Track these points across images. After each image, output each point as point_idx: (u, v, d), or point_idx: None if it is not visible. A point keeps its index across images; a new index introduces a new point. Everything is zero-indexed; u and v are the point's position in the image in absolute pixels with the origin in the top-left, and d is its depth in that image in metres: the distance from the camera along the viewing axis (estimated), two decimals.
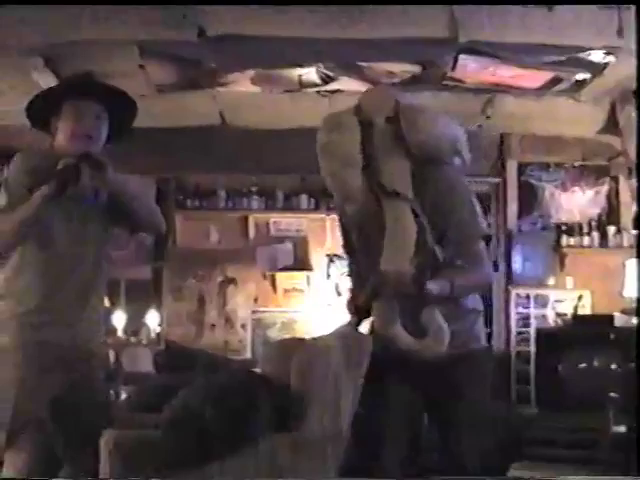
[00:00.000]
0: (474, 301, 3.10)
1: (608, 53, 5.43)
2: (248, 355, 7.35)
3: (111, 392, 5.28)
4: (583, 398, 5.94)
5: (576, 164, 7.52)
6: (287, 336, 6.40)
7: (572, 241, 7.36)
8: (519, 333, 7.27)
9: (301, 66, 5.97)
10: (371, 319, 2.99)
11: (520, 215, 7.49)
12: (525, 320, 7.29)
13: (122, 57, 5.44)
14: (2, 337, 3.09)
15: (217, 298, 7.47)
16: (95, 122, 3.24)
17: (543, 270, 7.35)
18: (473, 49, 5.40)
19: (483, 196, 7.34)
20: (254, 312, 7.46)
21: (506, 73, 5.94)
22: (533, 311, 7.30)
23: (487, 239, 3.12)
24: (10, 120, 5.79)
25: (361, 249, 3.13)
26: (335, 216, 3.46)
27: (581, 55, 5.50)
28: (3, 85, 5.86)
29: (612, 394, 5.65)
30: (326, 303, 7.22)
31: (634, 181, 6.69)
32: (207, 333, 7.42)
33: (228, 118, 7.15)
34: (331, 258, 7.26)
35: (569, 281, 7.29)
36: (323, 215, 7.23)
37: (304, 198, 7.40)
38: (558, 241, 7.37)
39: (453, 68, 5.80)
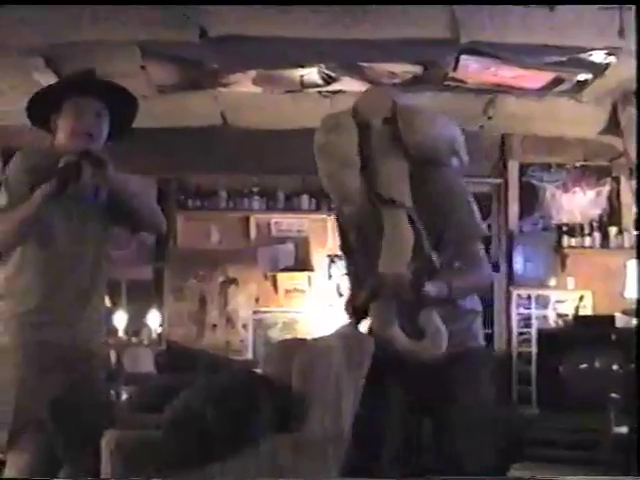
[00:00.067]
0: (472, 302, 3.09)
1: (609, 54, 5.43)
2: (249, 355, 7.35)
3: (112, 392, 5.29)
4: (584, 399, 5.94)
5: (577, 165, 7.52)
6: (288, 336, 6.39)
7: (573, 242, 7.36)
8: (520, 334, 7.27)
9: (303, 66, 5.97)
10: (369, 320, 2.99)
11: (521, 216, 7.49)
12: (526, 321, 7.29)
13: (123, 58, 5.44)
14: (2, 337, 3.08)
15: (218, 298, 7.47)
16: (96, 120, 3.22)
17: (544, 271, 7.35)
18: (474, 49, 5.40)
19: (484, 197, 7.35)
20: (255, 312, 7.46)
21: (507, 74, 5.93)
22: (534, 312, 7.30)
23: (486, 240, 3.11)
24: (10, 120, 5.80)
25: (359, 250, 3.13)
26: None
27: (582, 56, 5.50)
28: (3, 85, 5.86)
29: (613, 395, 5.65)
30: (327, 304, 7.22)
31: (635, 182, 6.69)
32: (208, 333, 7.42)
33: (229, 118, 7.16)
34: (332, 259, 7.27)
35: (570, 282, 7.29)
36: (324, 215, 7.22)
37: (305, 198, 7.40)
38: (559, 242, 7.37)
39: (454, 69, 5.80)
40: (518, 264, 7.37)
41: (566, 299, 7.28)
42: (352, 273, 3.28)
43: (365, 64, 5.86)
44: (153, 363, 4.87)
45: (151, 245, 7.38)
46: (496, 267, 7.33)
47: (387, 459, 2.98)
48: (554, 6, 4.94)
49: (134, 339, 6.72)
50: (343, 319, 3.09)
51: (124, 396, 5.57)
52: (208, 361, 4.24)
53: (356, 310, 2.99)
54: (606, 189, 7.50)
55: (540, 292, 7.31)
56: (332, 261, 7.29)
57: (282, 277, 7.48)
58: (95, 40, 5.12)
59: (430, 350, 2.85)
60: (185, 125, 7.10)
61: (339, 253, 3.45)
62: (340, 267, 7.09)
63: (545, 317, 7.28)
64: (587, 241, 7.35)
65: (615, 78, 5.83)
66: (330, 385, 2.80)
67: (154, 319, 6.94)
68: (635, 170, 6.48)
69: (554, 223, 7.47)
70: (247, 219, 7.53)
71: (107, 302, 5.53)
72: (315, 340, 3.14)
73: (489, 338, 7.14)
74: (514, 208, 7.49)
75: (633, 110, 5.94)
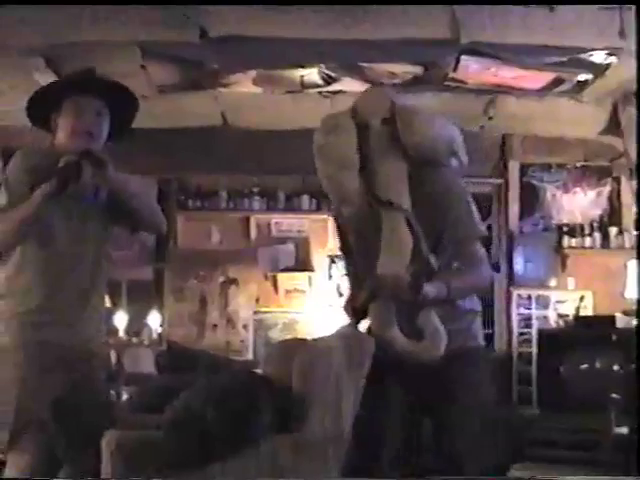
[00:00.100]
0: (472, 302, 3.09)
1: (610, 54, 5.44)
2: (250, 356, 7.35)
3: (113, 393, 5.29)
4: (585, 399, 5.94)
5: (578, 165, 7.52)
6: (289, 337, 6.38)
7: (574, 242, 7.35)
8: (521, 334, 7.27)
9: (303, 67, 5.97)
10: (368, 321, 2.98)
11: (522, 216, 7.49)
12: (527, 321, 7.29)
13: (123, 58, 5.44)
14: (3, 337, 3.08)
15: (219, 299, 7.47)
16: (96, 118, 3.21)
17: (545, 271, 7.35)
18: (475, 50, 5.40)
19: (485, 197, 7.36)
20: (256, 313, 7.46)
21: (508, 74, 5.94)
22: (535, 312, 7.30)
23: (485, 241, 3.11)
24: (10, 121, 5.80)
25: (358, 251, 3.12)
26: None
27: (583, 56, 5.50)
28: (3, 85, 5.86)
29: (614, 395, 5.65)
30: (328, 304, 7.22)
31: (635, 182, 6.69)
32: (209, 334, 7.42)
33: (230, 119, 7.16)
34: (333, 259, 7.26)
35: (571, 282, 7.28)
36: (325, 216, 7.19)
37: (305, 199, 7.40)
38: (560, 242, 7.37)
39: (455, 69, 5.80)
40: (518, 264, 7.37)
41: (566, 299, 7.28)
42: (351, 274, 3.28)
43: (365, 64, 5.86)
44: (153, 363, 4.87)
45: (151, 245, 7.38)
46: (496, 267, 7.34)
47: (387, 459, 2.97)
48: (554, 7, 4.94)
49: (134, 339, 6.71)
50: (343, 319, 3.09)
51: (124, 396, 5.57)
52: (208, 361, 4.24)
53: (355, 311, 2.99)
54: (606, 189, 7.50)
55: (540, 292, 7.31)
56: (332, 261, 7.29)
57: (282, 277, 7.48)
58: (95, 40, 5.13)
59: (429, 350, 2.85)
60: (185, 125, 7.10)
61: (339, 253, 3.45)
62: (340, 267, 7.08)
63: (545, 317, 7.28)
64: (587, 241, 7.34)
65: (615, 78, 5.83)
66: (330, 385, 2.80)
67: (154, 319, 6.94)
68: (635, 170, 6.48)
69: (554, 223, 7.47)
70: (247, 219, 7.53)
71: (108, 302, 5.55)
72: (315, 340, 3.14)
73: (489, 338, 7.14)
74: (514, 208, 7.49)
75: (633, 110, 5.95)
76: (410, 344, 2.85)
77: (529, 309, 7.31)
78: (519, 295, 7.34)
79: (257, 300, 7.48)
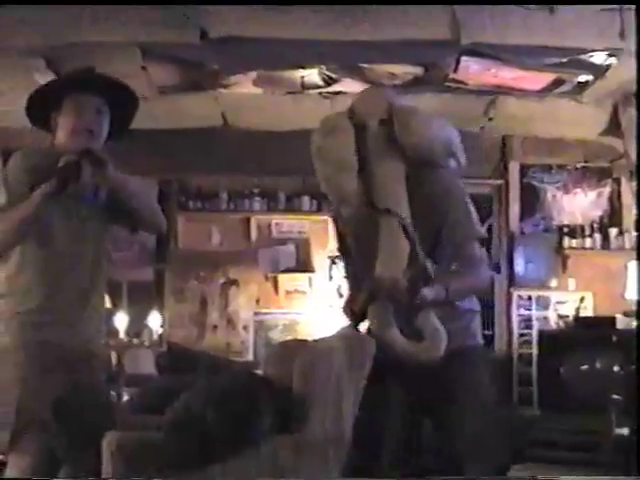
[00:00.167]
0: (470, 302, 3.09)
1: (610, 55, 5.44)
2: (250, 357, 7.35)
3: (113, 394, 5.28)
4: (585, 400, 5.94)
5: (578, 166, 7.52)
6: (289, 338, 6.38)
7: (574, 243, 7.35)
8: (521, 335, 7.27)
9: (303, 68, 5.97)
10: (367, 323, 2.98)
11: (522, 217, 7.49)
12: (527, 322, 7.29)
13: (124, 58, 5.44)
14: (3, 337, 3.08)
15: (219, 300, 7.47)
16: (96, 116, 3.20)
17: (545, 272, 7.35)
18: (475, 51, 5.40)
19: (485, 198, 7.37)
20: (256, 314, 7.46)
21: (508, 75, 5.94)
22: (535, 313, 7.30)
23: (484, 241, 3.11)
24: (10, 122, 5.80)
25: (357, 252, 3.12)
26: None
27: (583, 57, 5.50)
28: (3, 86, 5.85)
29: (614, 396, 5.66)
30: (328, 305, 7.21)
31: (636, 183, 6.69)
32: (209, 335, 7.42)
33: (230, 120, 7.16)
34: (333, 260, 7.26)
35: (571, 283, 7.28)
36: (325, 217, 7.19)
37: (306, 200, 7.40)
38: (560, 243, 7.37)
39: (455, 70, 5.80)
40: (519, 265, 7.37)
41: (567, 300, 7.28)
42: (350, 275, 3.28)
43: (366, 65, 5.86)
44: (154, 364, 4.86)
45: (152, 246, 7.38)
46: (497, 268, 7.35)
47: (387, 459, 2.97)
48: (554, 7, 4.94)
49: (135, 340, 6.70)
50: (344, 320, 3.09)
51: (125, 397, 5.58)
52: (209, 362, 4.24)
53: (354, 313, 2.98)
54: (607, 190, 7.50)
55: (541, 293, 7.31)
56: (333, 262, 7.29)
57: (283, 278, 7.48)
58: (95, 41, 5.12)
59: (429, 351, 2.84)
60: (186, 126, 7.10)
61: (339, 254, 3.44)
62: (341, 268, 7.08)
63: (546, 318, 7.28)
64: (588, 242, 7.34)
65: (616, 79, 5.83)
66: (331, 386, 2.80)
67: (155, 320, 6.93)
68: (636, 171, 6.48)
69: (555, 224, 7.47)
70: (248, 220, 7.53)
71: (108, 303, 5.55)
72: (316, 341, 3.14)
73: (490, 339, 7.15)
74: (515, 209, 7.49)
75: (634, 111, 5.94)
76: (410, 345, 2.84)
77: (529, 310, 7.31)
78: (519, 296, 7.34)
79: (257, 301, 7.48)
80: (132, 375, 6.15)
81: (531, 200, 7.51)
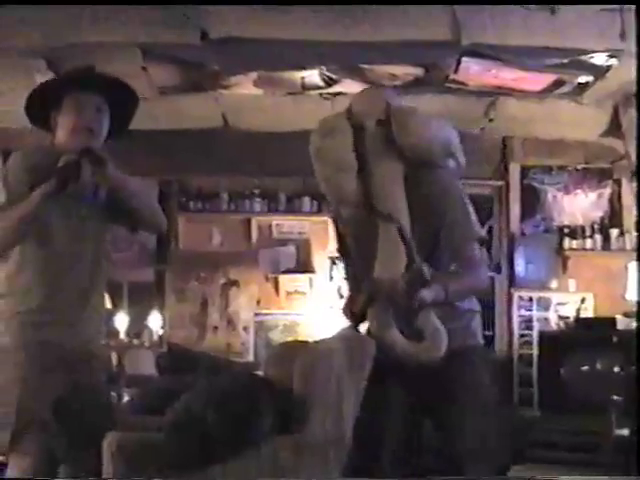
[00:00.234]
0: (470, 302, 3.08)
1: (611, 56, 5.44)
2: (250, 358, 7.35)
3: (114, 394, 5.28)
4: (585, 401, 5.94)
5: (579, 167, 7.52)
6: (289, 339, 6.39)
7: (575, 244, 7.36)
8: (522, 336, 7.27)
9: (304, 68, 5.98)
10: (367, 324, 2.98)
11: (523, 218, 7.49)
12: (528, 323, 7.29)
13: (124, 59, 5.44)
14: (3, 337, 3.08)
15: (219, 300, 7.48)
16: (96, 115, 3.19)
17: (546, 273, 7.35)
18: (475, 52, 5.40)
19: (486, 199, 7.37)
20: (256, 314, 7.47)
21: (508, 76, 5.94)
22: (536, 314, 7.30)
23: (483, 242, 3.10)
24: (10, 122, 5.80)
25: (356, 253, 3.12)
26: None
27: (584, 58, 5.50)
28: (3, 86, 5.86)
29: (614, 397, 5.66)
30: (329, 305, 7.21)
31: (636, 184, 6.69)
32: (209, 335, 7.42)
33: (230, 120, 7.16)
34: (334, 260, 7.26)
35: (572, 284, 7.29)
36: (325, 217, 7.19)
37: (306, 200, 7.40)
38: (561, 244, 7.37)
39: (456, 71, 5.80)
40: (519, 266, 7.37)
41: (567, 301, 7.28)
42: (350, 276, 3.28)
43: (366, 66, 5.86)
44: (154, 365, 4.87)
45: (152, 247, 7.39)
46: (498, 269, 7.35)
47: (388, 460, 2.97)
48: (555, 7, 4.94)
49: (135, 341, 6.71)
50: (344, 321, 3.09)
51: (125, 398, 5.57)
52: (209, 363, 4.24)
53: (354, 313, 2.98)
54: (607, 191, 7.50)
55: (541, 294, 7.31)
56: (333, 263, 7.29)
57: (283, 279, 7.48)
58: (96, 41, 5.12)
59: (430, 351, 2.84)
60: (186, 127, 7.11)
61: (339, 255, 3.44)
62: (341, 269, 7.08)
63: (546, 319, 7.28)
64: (588, 243, 7.35)
65: (616, 80, 5.83)
66: (331, 387, 2.80)
67: (155, 321, 6.93)
68: (636, 172, 6.48)
69: (555, 225, 7.48)
70: (248, 221, 7.54)
71: (109, 304, 5.55)
72: (316, 342, 3.14)
73: (490, 340, 7.15)
74: (515, 210, 7.49)
75: (634, 112, 5.94)
76: (411, 346, 2.84)
77: (530, 311, 7.31)
78: (520, 297, 7.34)
79: (258, 302, 7.48)
80: (132, 376, 6.15)
81: (532, 201, 7.51)
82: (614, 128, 6.76)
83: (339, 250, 3.29)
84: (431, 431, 3.08)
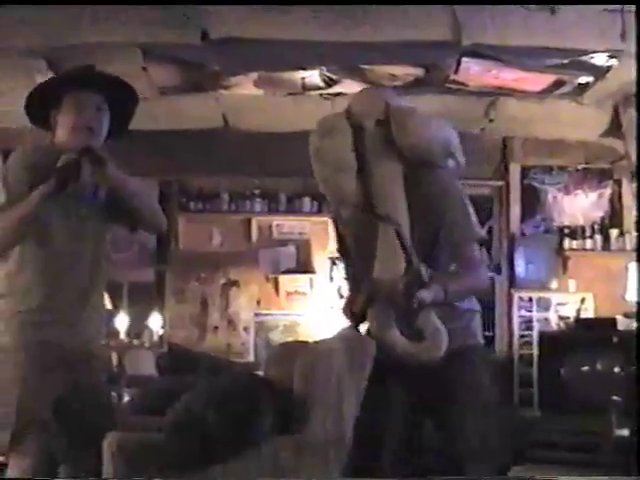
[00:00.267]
0: (470, 302, 3.08)
1: (611, 56, 5.44)
2: (251, 358, 7.35)
3: (114, 395, 5.28)
4: (586, 401, 5.95)
5: (579, 167, 7.52)
6: (290, 339, 6.39)
7: (575, 244, 7.35)
8: (522, 336, 7.27)
9: (304, 69, 5.98)
10: (367, 324, 2.98)
11: (523, 218, 7.49)
12: (528, 323, 7.29)
13: (124, 59, 5.43)
14: (3, 337, 3.08)
15: (220, 301, 7.47)
16: (96, 114, 3.18)
17: (546, 273, 7.35)
18: (476, 52, 5.40)
19: (486, 199, 7.37)
20: (257, 315, 7.46)
21: (509, 76, 5.94)
22: (536, 314, 7.29)
23: (483, 242, 3.10)
24: (10, 122, 5.80)
25: (357, 252, 3.12)
26: None
27: (584, 58, 5.50)
28: (3, 86, 5.85)
29: (615, 397, 5.66)
30: (329, 306, 7.21)
31: (636, 184, 6.70)
32: (210, 336, 7.42)
33: (231, 121, 7.15)
34: (334, 261, 7.26)
35: (572, 284, 7.28)
36: (326, 218, 7.18)
37: (307, 201, 7.40)
38: (561, 244, 7.37)
39: (456, 71, 5.80)
40: (520, 266, 7.37)
41: (567, 302, 7.28)
42: (350, 276, 3.28)
43: (366, 66, 5.86)
44: (154, 365, 4.87)
45: (153, 247, 7.39)
46: (498, 269, 7.35)
47: (388, 460, 2.97)
48: (555, 8, 4.94)
49: (135, 341, 6.70)
50: (344, 321, 3.09)
51: (126, 398, 5.57)
52: (209, 364, 4.24)
53: (354, 314, 2.98)
54: (608, 191, 7.50)
55: (541, 294, 7.31)
56: (334, 263, 7.29)
57: (283, 279, 7.48)
58: (96, 41, 5.12)
59: (431, 351, 2.84)
60: (186, 127, 7.10)
61: (339, 255, 3.44)
62: (341, 269, 7.08)
63: (546, 320, 7.28)
64: (588, 243, 7.34)
65: (617, 81, 5.83)
66: (332, 387, 2.80)
67: (155, 321, 6.93)
68: (636, 172, 6.48)
69: (556, 225, 7.47)
70: (249, 221, 7.53)
71: (109, 304, 5.55)
72: (317, 342, 3.14)
73: (490, 340, 7.14)
74: (516, 211, 7.49)
75: (634, 113, 5.94)
76: (411, 346, 2.84)
77: (530, 311, 7.31)
78: (520, 297, 7.34)
79: (258, 302, 7.48)
80: (133, 376, 6.15)
81: (532, 201, 7.51)
82: (614, 128, 6.76)
83: (339, 250, 3.29)
84: (431, 431, 3.08)
